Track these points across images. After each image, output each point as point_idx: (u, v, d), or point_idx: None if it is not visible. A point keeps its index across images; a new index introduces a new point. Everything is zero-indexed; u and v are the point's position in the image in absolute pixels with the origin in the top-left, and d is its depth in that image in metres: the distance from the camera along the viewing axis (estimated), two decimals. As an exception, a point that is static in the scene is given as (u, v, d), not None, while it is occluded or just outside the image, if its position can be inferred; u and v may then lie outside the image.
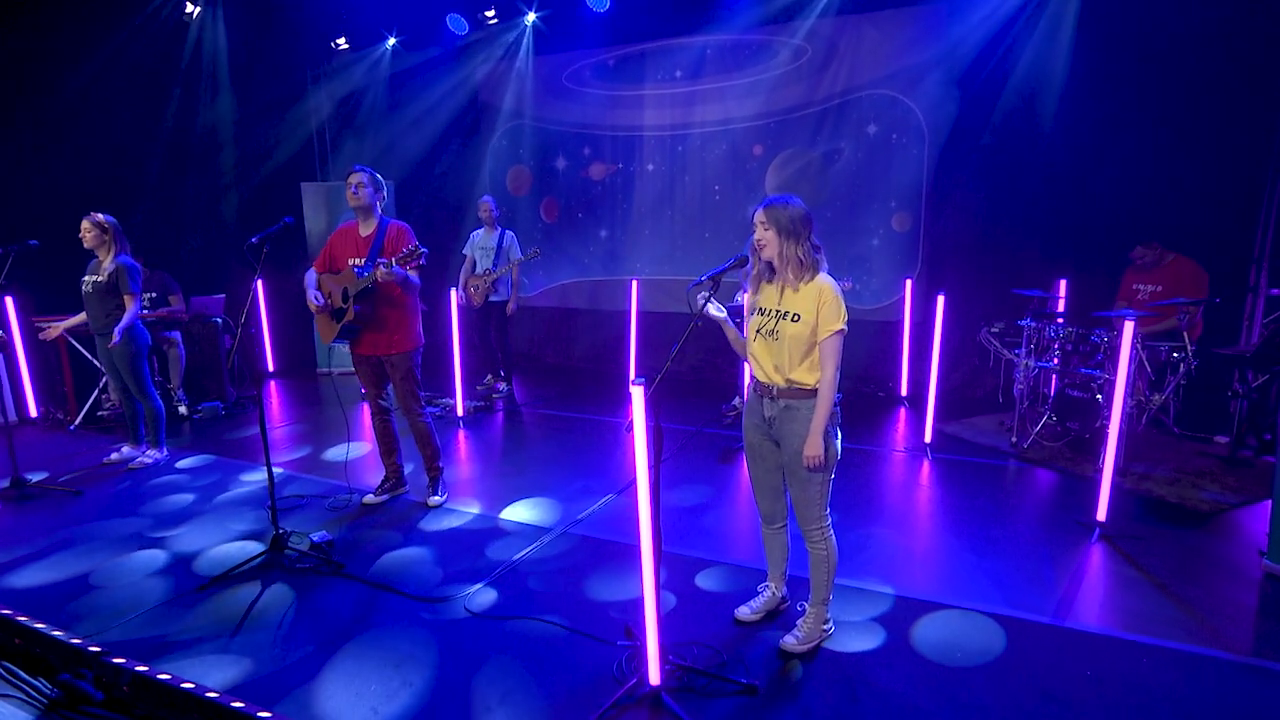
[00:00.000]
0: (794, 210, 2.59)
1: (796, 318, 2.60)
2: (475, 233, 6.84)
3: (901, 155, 6.79)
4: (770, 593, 3.06)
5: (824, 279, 2.60)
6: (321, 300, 4.01)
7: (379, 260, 3.81)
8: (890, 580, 3.36)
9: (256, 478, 4.86)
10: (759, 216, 2.63)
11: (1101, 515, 3.79)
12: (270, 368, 8.13)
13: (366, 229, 4.08)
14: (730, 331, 2.80)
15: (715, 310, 2.66)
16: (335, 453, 5.35)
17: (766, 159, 7.36)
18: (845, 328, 2.58)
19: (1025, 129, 6.13)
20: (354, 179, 4.03)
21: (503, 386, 7.14)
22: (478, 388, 7.18)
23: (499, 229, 6.77)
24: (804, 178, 7.19)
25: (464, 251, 6.81)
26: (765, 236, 2.61)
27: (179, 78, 7.75)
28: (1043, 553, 3.61)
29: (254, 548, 3.74)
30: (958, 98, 6.42)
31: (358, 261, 4.02)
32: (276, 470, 4.78)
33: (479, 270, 6.75)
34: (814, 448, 2.60)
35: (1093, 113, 5.82)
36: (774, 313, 2.66)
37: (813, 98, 7.04)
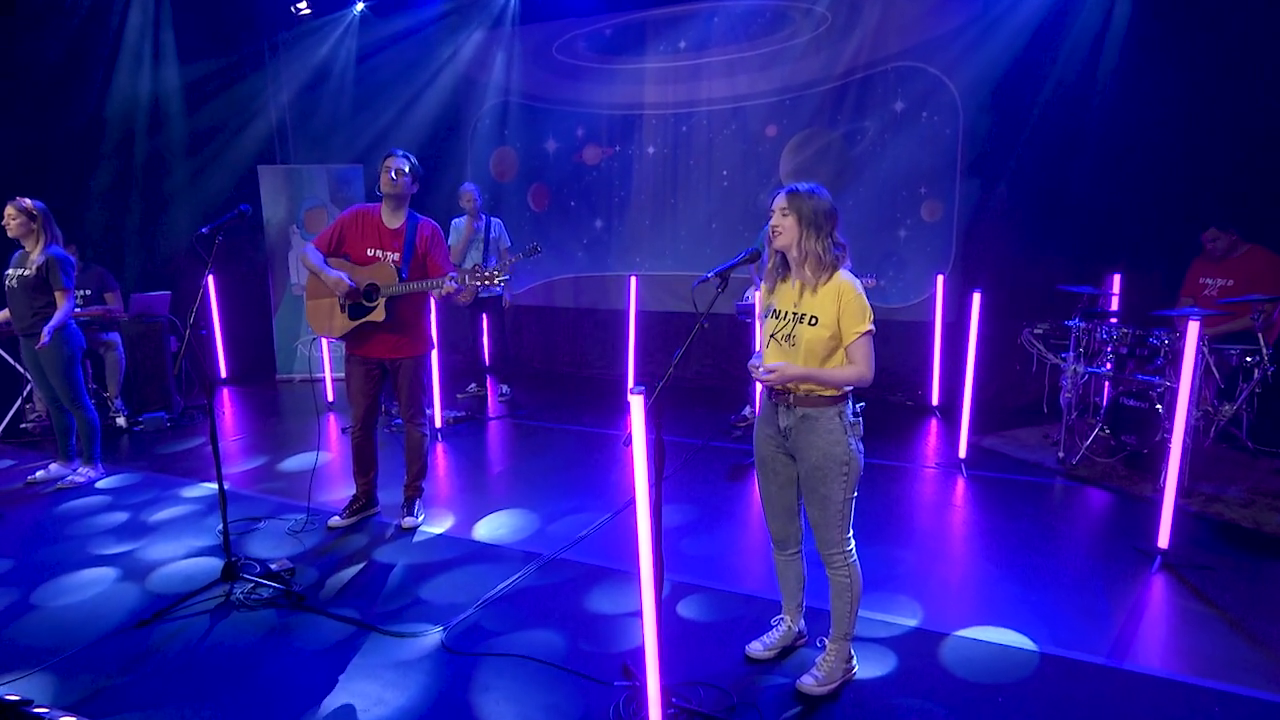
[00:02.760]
0: (819, 201, 2.61)
1: (815, 321, 2.61)
2: (457, 221, 6.83)
3: (933, 135, 6.78)
4: (785, 627, 3.05)
5: (844, 276, 2.63)
6: (352, 284, 3.97)
7: (451, 275, 3.92)
8: (922, 612, 3.33)
9: (197, 494, 4.82)
10: (780, 202, 2.64)
11: (1163, 542, 3.76)
12: (223, 374, 8.10)
13: (394, 221, 4.09)
14: None
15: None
16: (296, 469, 5.32)
17: (781, 140, 7.34)
18: (873, 328, 2.60)
19: (1075, 104, 6.11)
20: (393, 164, 4.05)
21: (505, 390, 7.19)
22: (458, 396, 7.17)
23: (484, 217, 6.81)
24: (823, 161, 7.17)
25: (450, 243, 6.85)
26: (783, 224, 2.63)
27: (115, 43, 7.66)
28: (1095, 584, 3.58)
29: (202, 576, 3.69)
30: (997, 69, 6.40)
31: (383, 257, 4.03)
32: (229, 489, 4.73)
33: (466, 264, 6.79)
34: (783, 371, 2.59)
35: (1155, 83, 5.79)
36: (790, 315, 2.67)
37: (833, 71, 7.03)
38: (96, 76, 7.61)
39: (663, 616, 2.51)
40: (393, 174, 4.03)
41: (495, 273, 3.92)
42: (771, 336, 2.72)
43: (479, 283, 3.91)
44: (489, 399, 7.19)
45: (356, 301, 4.04)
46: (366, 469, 4.38)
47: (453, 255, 6.81)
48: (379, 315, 4.00)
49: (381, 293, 4.00)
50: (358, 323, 4.04)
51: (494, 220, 6.89)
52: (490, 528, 4.32)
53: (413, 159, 4.12)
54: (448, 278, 3.91)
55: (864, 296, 2.61)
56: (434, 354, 5.89)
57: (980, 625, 3.23)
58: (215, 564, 3.74)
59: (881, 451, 5.48)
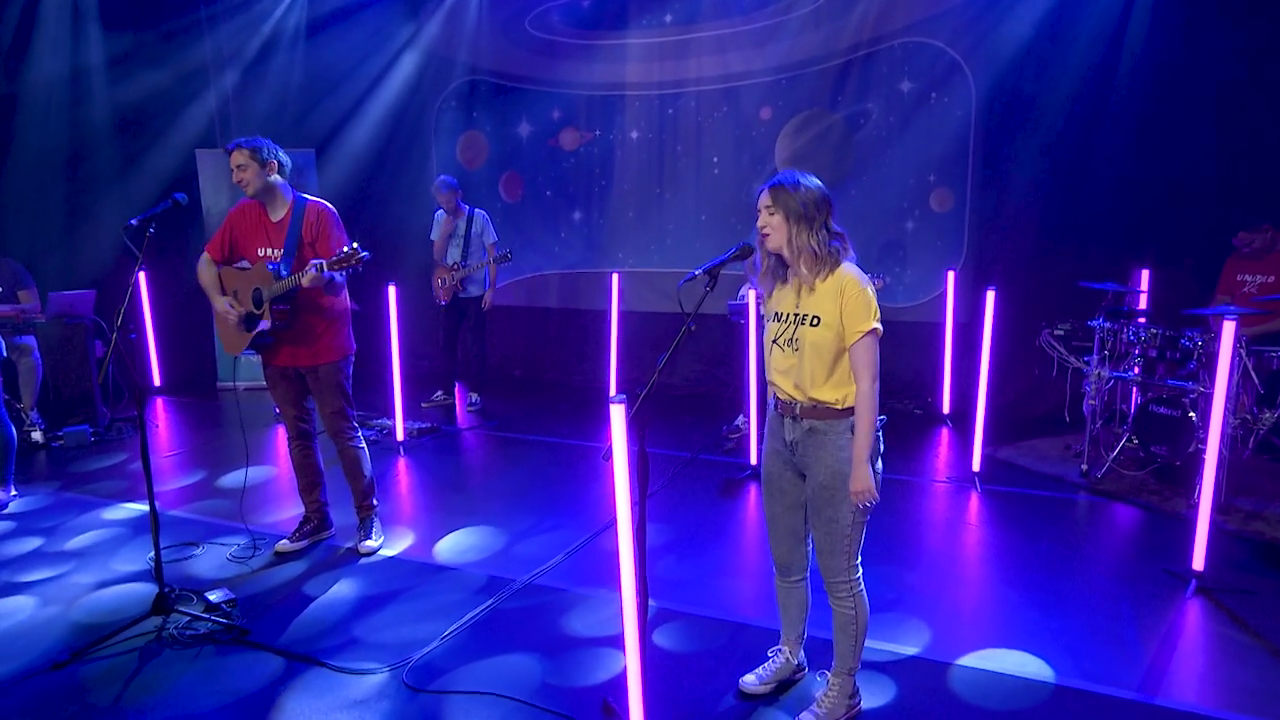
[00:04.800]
0: (807, 191, 2.61)
1: (817, 321, 2.61)
2: (438, 213, 7.00)
3: (943, 118, 6.81)
4: (783, 658, 3.04)
5: (847, 270, 2.62)
6: (231, 307, 3.96)
7: (312, 262, 3.75)
8: (932, 640, 3.33)
9: (122, 516, 4.74)
10: (763, 198, 2.65)
11: (1198, 563, 3.76)
12: (156, 382, 7.99)
13: (276, 213, 4.03)
14: None
15: None
16: (239, 488, 5.22)
17: (777, 124, 7.35)
18: (879, 327, 2.58)
19: (1101, 83, 6.15)
20: (233, 160, 3.91)
21: (475, 398, 7.22)
22: (424, 405, 7.13)
23: (467, 209, 6.94)
24: (822, 146, 7.19)
25: (432, 237, 7.03)
26: (770, 223, 2.63)
27: (29, 6, 7.49)
28: (1124, 610, 3.59)
29: (130, 609, 3.62)
30: (1014, 45, 6.44)
31: (273, 255, 3.97)
32: (161, 510, 4.66)
33: (447, 261, 6.91)
34: (861, 480, 2.59)
35: (1189, 59, 5.84)
36: (792, 317, 2.68)
37: (834, 48, 7.05)
38: (4, 45, 7.45)
39: (647, 647, 2.49)
40: (235, 176, 3.90)
41: (353, 254, 3.72)
42: (774, 343, 2.72)
43: (342, 267, 3.74)
44: (457, 408, 7.16)
45: (250, 312, 3.98)
46: (311, 486, 4.33)
47: (435, 252, 6.97)
48: (265, 324, 3.92)
49: (264, 296, 3.91)
50: (252, 334, 3.98)
51: (477, 212, 6.97)
52: (457, 551, 4.28)
53: (252, 142, 3.92)
54: (310, 265, 3.73)
55: (870, 292, 2.60)
56: (395, 361, 5.88)
57: (997, 655, 3.23)
58: (146, 594, 3.67)
59: (888, 464, 5.36)
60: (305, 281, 3.73)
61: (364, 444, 4.31)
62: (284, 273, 3.89)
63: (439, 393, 7.29)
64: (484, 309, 6.98)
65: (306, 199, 4.05)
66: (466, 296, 6.92)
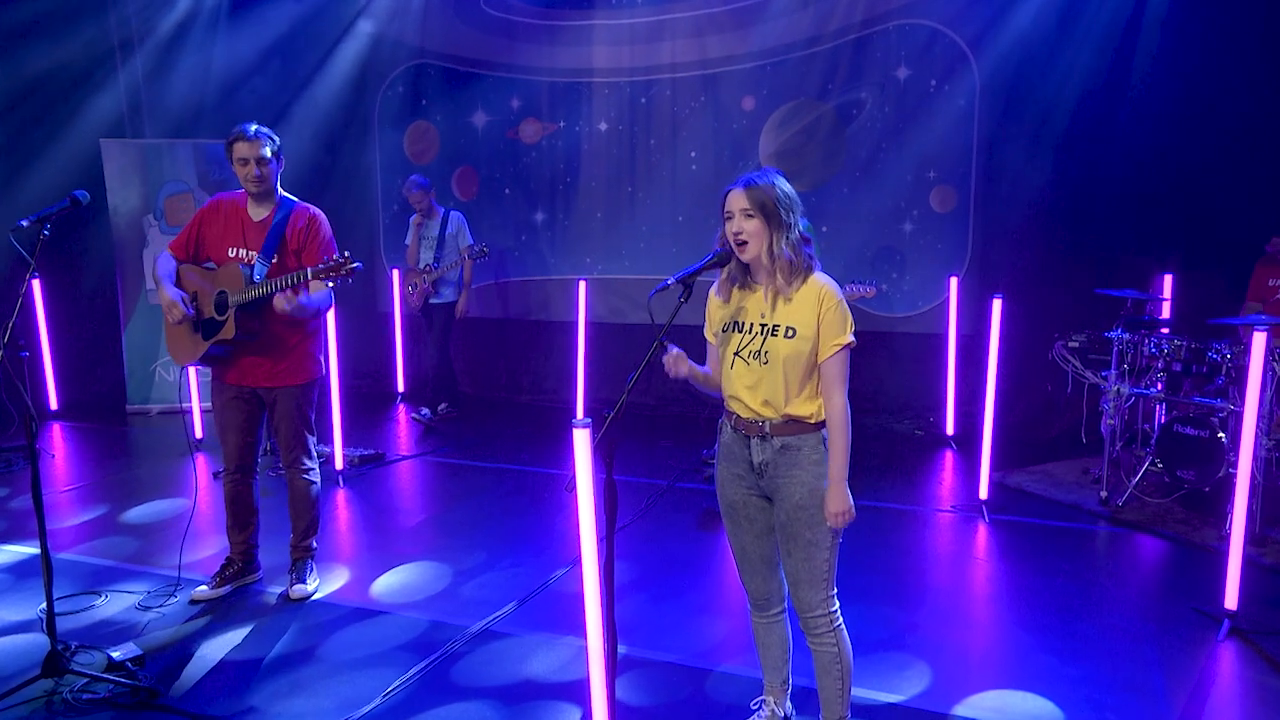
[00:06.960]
0: (784, 193, 2.66)
1: (792, 333, 2.64)
2: (412, 217, 7.34)
3: (944, 108, 6.89)
4: (768, 711, 3.02)
5: (821, 279, 2.67)
6: (190, 309, 3.91)
7: (308, 268, 3.76)
8: (937, 689, 3.32)
9: (3, 560, 4.62)
10: (738, 200, 2.67)
11: (1231, 602, 3.78)
12: (53, 405, 7.84)
13: (260, 211, 4.04)
14: (698, 376, 2.88)
15: (679, 365, 2.73)
16: (150, 525, 5.16)
17: (760, 114, 7.41)
18: (854, 340, 2.65)
19: (1116, 70, 6.25)
20: (252, 150, 3.92)
21: (427, 412, 7.33)
22: (417, 417, 7.29)
23: (441, 210, 7.22)
24: (811, 140, 7.25)
25: (406, 242, 7.35)
26: (748, 228, 2.65)
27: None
28: (1149, 654, 3.60)
29: (14, 670, 3.52)
30: (1022, 26, 6.53)
31: (248, 256, 3.95)
32: (57, 555, 4.57)
33: (420, 264, 7.17)
34: (840, 501, 2.64)
35: (1211, 46, 5.94)
36: (760, 328, 2.70)
37: (823, 31, 7.13)
38: None
39: (615, 699, 2.44)
40: (255, 165, 3.92)
41: (343, 262, 3.77)
42: (736, 355, 2.74)
43: (329, 276, 3.77)
44: (402, 432, 7.17)
45: (210, 317, 3.94)
46: (243, 524, 4.28)
47: (408, 257, 7.28)
48: (228, 331, 3.89)
49: (230, 302, 3.89)
50: (210, 342, 3.94)
51: (453, 214, 7.24)
52: (400, 594, 4.25)
53: (267, 134, 4.00)
54: (305, 270, 3.77)
55: (845, 302, 2.66)
56: (334, 382, 5.83)
57: (1007, 704, 3.22)
58: (35, 651, 3.55)
59: (887, 492, 5.50)
60: (283, 304, 3.74)
61: (319, 478, 4.28)
62: (256, 276, 3.88)
63: (443, 405, 7.40)
64: (458, 315, 7.19)
65: (295, 201, 4.08)
66: (439, 301, 7.11)
